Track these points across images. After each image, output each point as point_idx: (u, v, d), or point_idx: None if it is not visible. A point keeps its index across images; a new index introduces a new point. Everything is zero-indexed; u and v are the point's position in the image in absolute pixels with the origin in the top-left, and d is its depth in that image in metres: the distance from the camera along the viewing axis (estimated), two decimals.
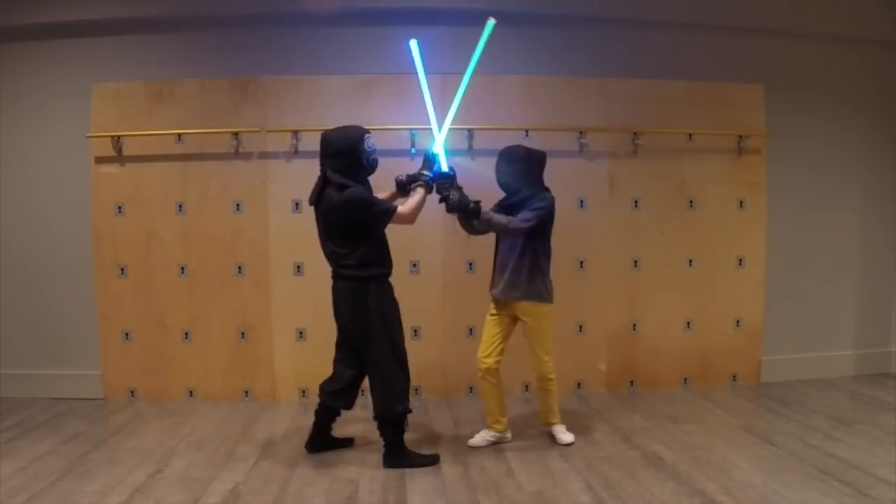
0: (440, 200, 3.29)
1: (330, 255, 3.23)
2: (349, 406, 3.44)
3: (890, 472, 3.11)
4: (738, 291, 4.73)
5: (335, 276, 3.24)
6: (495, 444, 3.54)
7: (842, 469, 3.15)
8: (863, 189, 4.91)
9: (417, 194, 3.23)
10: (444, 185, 3.27)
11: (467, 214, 3.32)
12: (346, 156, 3.11)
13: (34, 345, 4.51)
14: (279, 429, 3.89)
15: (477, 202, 3.29)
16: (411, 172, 3.33)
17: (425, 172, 3.27)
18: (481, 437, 3.53)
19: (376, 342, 3.19)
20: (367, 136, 3.17)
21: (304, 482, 3.11)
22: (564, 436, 3.55)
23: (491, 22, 3.24)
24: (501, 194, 3.52)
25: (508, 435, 3.59)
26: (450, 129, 3.42)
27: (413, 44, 3.35)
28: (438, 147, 3.31)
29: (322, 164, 3.18)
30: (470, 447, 3.50)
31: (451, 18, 4.39)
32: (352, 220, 3.11)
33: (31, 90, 4.43)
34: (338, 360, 3.38)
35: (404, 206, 3.18)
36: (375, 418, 3.26)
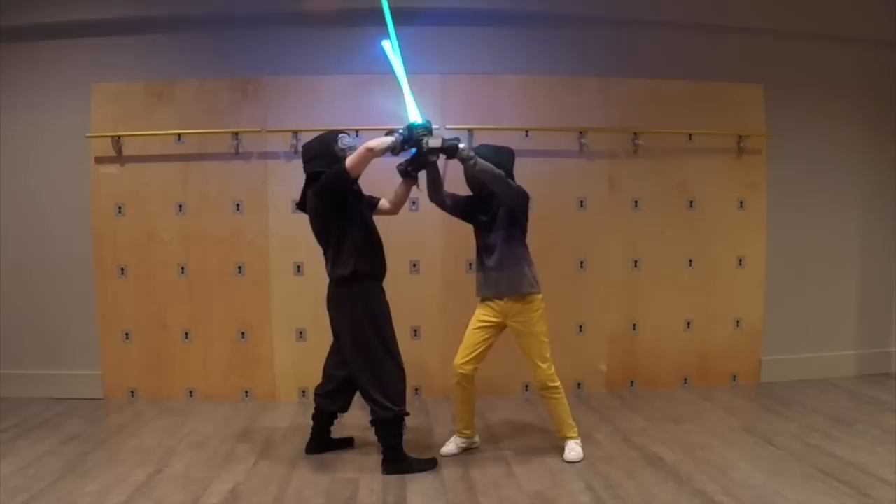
0: (421, 155, 3.13)
1: (324, 258, 3.25)
2: (345, 408, 3.44)
3: (890, 472, 3.11)
4: (738, 291, 4.73)
5: (328, 278, 3.26)
6: (467, 450, 3.46)
7: (842, 469, 3.14)
8: (863, 189, 4.91)
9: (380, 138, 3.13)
10: (420, 132, 3.09)
11: (448, 154, 3.11)
12: (322, 157, 3.15)
13: (34, 345, 4.51)
14: (279, 429, 3.89)
15: (457, 139, 3.14)
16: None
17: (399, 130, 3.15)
18: (454, 445, 3.45)
19: (365, 344, 3.17)
20: (340, 136, 3.21)
21: (304, 482, 3.11)
22: (572, 453, 3.32)
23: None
24: None
25: (477, 440, 3.53)
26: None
27: (386, 44, 3.38)
28: (413, 115, 3.21)
29: (306, 172, 3.24)
30: (443, 455, 3.41)
31: (452, 18, 4.40)
32: (326, 201, 3.11)
33: (31, 90, 4.44)
34: (330, 362, 3.39)
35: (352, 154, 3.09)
36: (372, 422, 3.23)
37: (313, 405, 3.45)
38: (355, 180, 3.14)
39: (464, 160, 3.13)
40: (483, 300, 3.40)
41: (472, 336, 3.39)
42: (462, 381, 3.37)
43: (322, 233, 3.20)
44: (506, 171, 3.24)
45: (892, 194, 4.95)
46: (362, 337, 3.17)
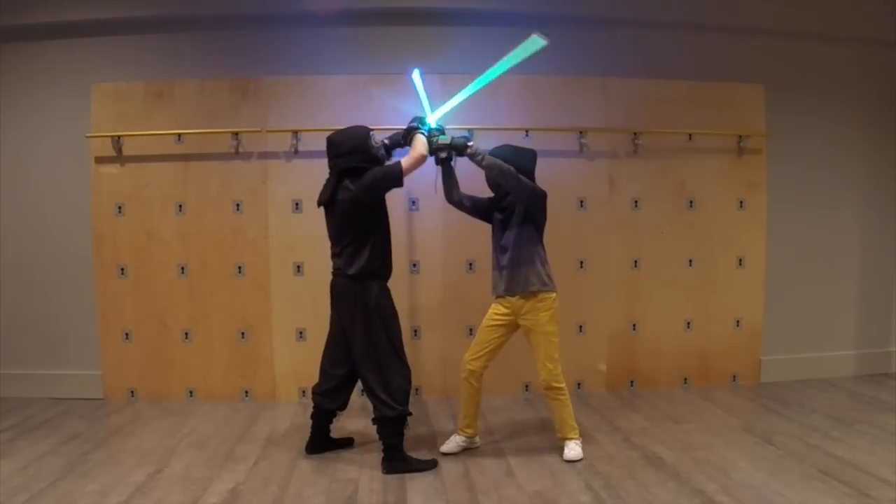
0: (431, 151, 3.28)
1: (338, 253, 3.22)
2: (343, 406, 3.44)
3: (890, 472, 3.11)
4: (738, 291, 4.73)
5: (336, 274, 3.25)
6: (467, 449, 3.46)
7: (842, 469, 3.15)
8: (863, 189, 4.91)
9: (416, 140, 3.27)
10: (434, 133, 3.32)
11: (457, 150, 3.28)
12: (358, 153, 3.16)
13: (34, 345, 4.51)
14: (279, 429, 3.89)
15: (466, 137, 3.32)
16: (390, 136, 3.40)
17: (416, 125, 3.32)
18: (454, 444, 3.45)
19: (376, 342, 3.18)
20: (372, 132, 3.25)
21: (304, 482, 3.11)
22: (572, 452, 3.33)
23: (537, 40, 3.20)
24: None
25: (478, 440, 3.52)
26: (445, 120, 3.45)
27: (416, 74, 3.44)
28: (430, 120, 3.38)
29: (332, 166, 3.22)
30: (443, 453, 3.41)
31: (452, 19, 4.40)
32: (372, 198, 3.14)
33: (31, 90, 4.44)
34: (327, 360, 3.38)
35: (405, 158, 3.21)
36: (374, 420, 3.24)
37: (312, 404, 3.45)
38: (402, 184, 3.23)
39: (471, 156, 3.24)
40: (497, 298, 3.41)
41: (484, 333, 3.40)
42: (469, 378, 3.38)
43: (346, 227, 3.18)
44: (525, 172, 3.29)
45: (892, 194, 4.95)
46: (373, 336, 3.18)
